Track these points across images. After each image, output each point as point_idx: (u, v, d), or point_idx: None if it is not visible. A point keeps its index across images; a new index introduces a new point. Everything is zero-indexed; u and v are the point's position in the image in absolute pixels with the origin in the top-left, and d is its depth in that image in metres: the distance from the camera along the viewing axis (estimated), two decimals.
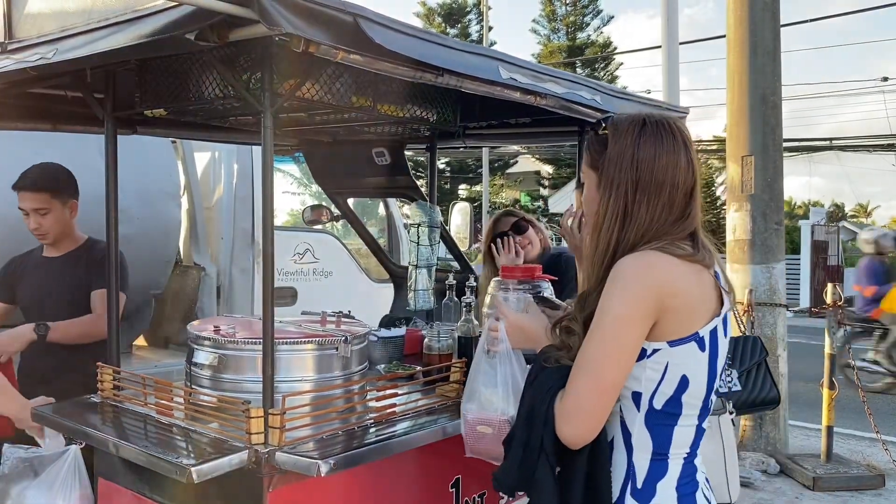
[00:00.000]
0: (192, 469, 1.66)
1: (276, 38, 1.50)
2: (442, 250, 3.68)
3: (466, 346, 2.55)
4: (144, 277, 4.42)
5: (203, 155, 4.93)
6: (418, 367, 2.58)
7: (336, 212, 3.93)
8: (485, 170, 25.72)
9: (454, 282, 3.12)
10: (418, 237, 3.20)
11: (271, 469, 1.76)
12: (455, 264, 3.94)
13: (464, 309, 2.60)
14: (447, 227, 4.19)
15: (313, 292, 5.02)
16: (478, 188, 29.23)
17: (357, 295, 5.29)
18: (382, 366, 2.62)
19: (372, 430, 2.00)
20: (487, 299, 2.37)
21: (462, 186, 31.99)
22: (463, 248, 4.25)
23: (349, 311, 3.44)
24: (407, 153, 3.63)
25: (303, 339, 2.05)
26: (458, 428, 2.10)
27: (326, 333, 2.15)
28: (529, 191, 33.35)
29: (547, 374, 1.52)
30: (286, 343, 2.02)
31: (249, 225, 4.84)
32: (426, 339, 2.53)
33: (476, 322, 2.59)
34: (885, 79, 24.82)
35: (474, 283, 2.96)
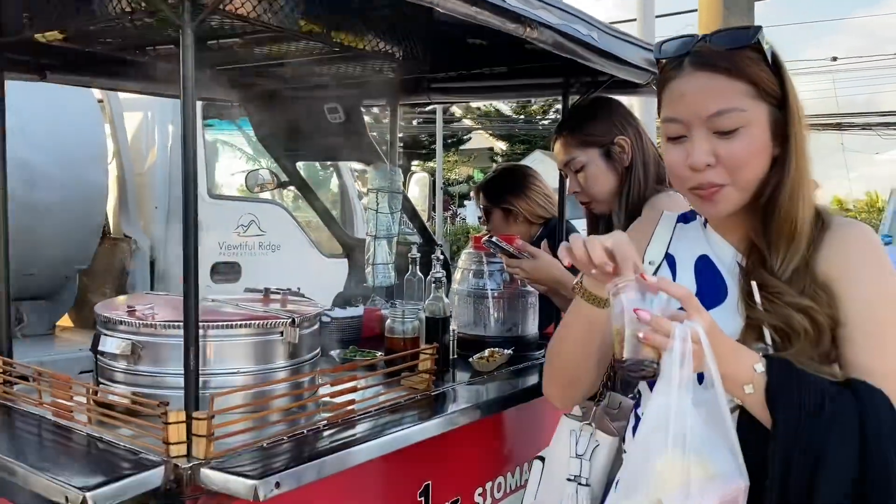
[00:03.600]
0: (88, 494, 1.26)
1: None
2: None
3: (435, 329, 2.18)
4: (67, 250, 3.98)
5: (134, 115, 4.45)
6: (380, 354, 2.20)
7: (283, 177, 3.51)
8: (438, 145, 25.34)
9: (417, 255, 2.75)
10: (377, 204, 2.81)
11: (195, 490, 1.37)
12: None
13: (433, 285, 2.23)
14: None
15: (259, 268, 4.59)
16: (431, 164, 28.80)
17: (308, 271, 4.87)
18: (337, 352, 2.24)
19: (326, 434, 1.62)
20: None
21: (415, 163, 31.55)
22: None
23: (298, 289, 3.05)
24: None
25: (238, 322, 1.66)
26: (429, 429, 1.75)
27: (269, 314, 1.75)
28: (483, 167, 33.10)
29: (843, 399, 1.06)
30: (216, 327, 1.62)
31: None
32: (388, 321, 2.16)
33: (447, 300, 2.23)
34: (835, 59, 25.13)
35: (441, 256, 2.59)
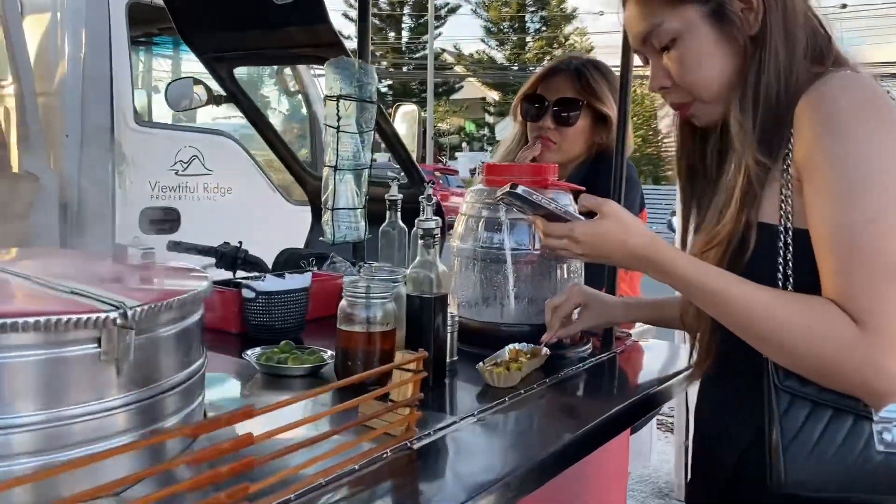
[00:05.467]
0: None
1: None
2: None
3: (423, 316, 1.28)
4: None
5: (38, 19, 3.47)
6: (329, 354, 1.32)
7: (217, 89, 2.57)
8: (429, 94, 24.39)
9: (399, 196, 1.85)
10: (338, 119, 1.89)
11: None
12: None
13: (419, 242, 1.33)
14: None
15: (203, 215, 3.67)
16: (422, 114, 27.80)
17: (267, 221, 3.95)
18: (256, 353, 1.33)
19: None
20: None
21: None
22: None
23: (240, 243, 2.14)
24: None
25: None
26: None
27: (68, 307, 0.84)
28: (475, 118, 32.14)
29: None
30: None
31: (106, 118, 3.43)
32: (342, 303, 1.25)
33: (442, 267, 1.33)
34: (844, 6, 24.06)
35: (434, 198, 1.69)
